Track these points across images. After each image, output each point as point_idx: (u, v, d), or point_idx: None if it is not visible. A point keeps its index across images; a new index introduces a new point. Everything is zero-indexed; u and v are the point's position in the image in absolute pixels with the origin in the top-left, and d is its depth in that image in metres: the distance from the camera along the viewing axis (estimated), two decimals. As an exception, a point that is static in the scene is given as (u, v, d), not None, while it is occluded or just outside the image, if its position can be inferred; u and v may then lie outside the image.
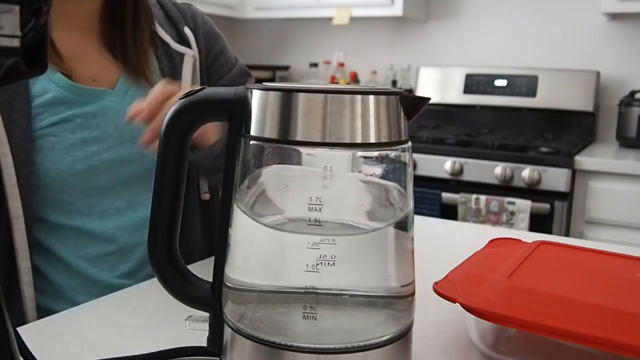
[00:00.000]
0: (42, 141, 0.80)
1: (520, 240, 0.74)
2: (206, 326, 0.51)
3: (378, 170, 0.46)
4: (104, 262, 0.86)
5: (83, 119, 0.83)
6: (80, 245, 0.85)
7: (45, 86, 0.81)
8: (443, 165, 2.24)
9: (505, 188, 2.15)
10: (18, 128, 0.78)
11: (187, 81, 0.91)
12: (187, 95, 0.47)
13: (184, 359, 0.54)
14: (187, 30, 0.95)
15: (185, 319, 0.52)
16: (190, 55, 0.92)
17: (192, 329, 0.52)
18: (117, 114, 0.84)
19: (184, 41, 0.94)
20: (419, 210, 2.18)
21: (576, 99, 2.52)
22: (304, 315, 0.44)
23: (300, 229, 0.44)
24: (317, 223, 0.43)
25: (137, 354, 0.54)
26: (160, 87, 0.71)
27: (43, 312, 0.81)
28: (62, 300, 0.84)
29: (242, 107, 0.46)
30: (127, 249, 0.87)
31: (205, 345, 0.51)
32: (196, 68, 0.94)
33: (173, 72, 0.91)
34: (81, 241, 0.85)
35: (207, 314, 0.50)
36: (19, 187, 0.77)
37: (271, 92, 0.44)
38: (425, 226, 1.05)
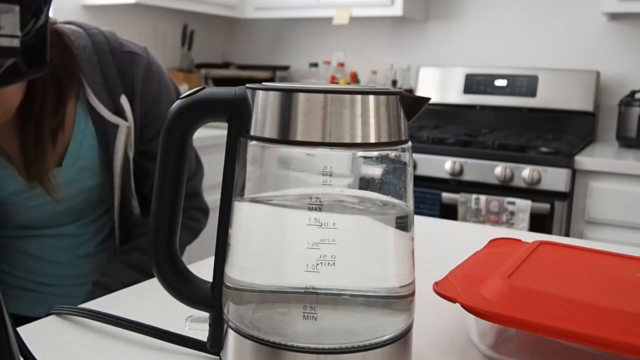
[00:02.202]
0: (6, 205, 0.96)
1: (520, 240, 0.74)
2: (206, 326, 0.51)
3: (378, 170, 0.46)
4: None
5: (34, 195, 0.96)
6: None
7: (7, 182, 0.95)
8: (443, 165, 2.24)
9: (505, 188, 2.15)
10: None
11: (120, 150, 0.95)
12: (187, 95, 0.47)
13: (183, 348, 0.54)
14: (123, 100, 0.95)
15: (185, 319, 0.52)
16: (125, 127, 0.95)
17: (192, 329, 0.52)
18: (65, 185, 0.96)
19: (119, 112, 0.95)
20: (419, 210, 2.18)
21: (576, 99, 2.52)
22: (304, 315, 0.44)
23: (300, 229, 0.44)
24: (317, 223, 0.43)
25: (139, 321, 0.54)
26: None
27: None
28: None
29: (242, 107, 0.46)
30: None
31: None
32: (130, 134, 0.96)
33: (108, 142, 0.95)
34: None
35: (207, 314, 0.50)
36: None
37: (271, 92, 0.44)
38: (425, 226, 1.05)
